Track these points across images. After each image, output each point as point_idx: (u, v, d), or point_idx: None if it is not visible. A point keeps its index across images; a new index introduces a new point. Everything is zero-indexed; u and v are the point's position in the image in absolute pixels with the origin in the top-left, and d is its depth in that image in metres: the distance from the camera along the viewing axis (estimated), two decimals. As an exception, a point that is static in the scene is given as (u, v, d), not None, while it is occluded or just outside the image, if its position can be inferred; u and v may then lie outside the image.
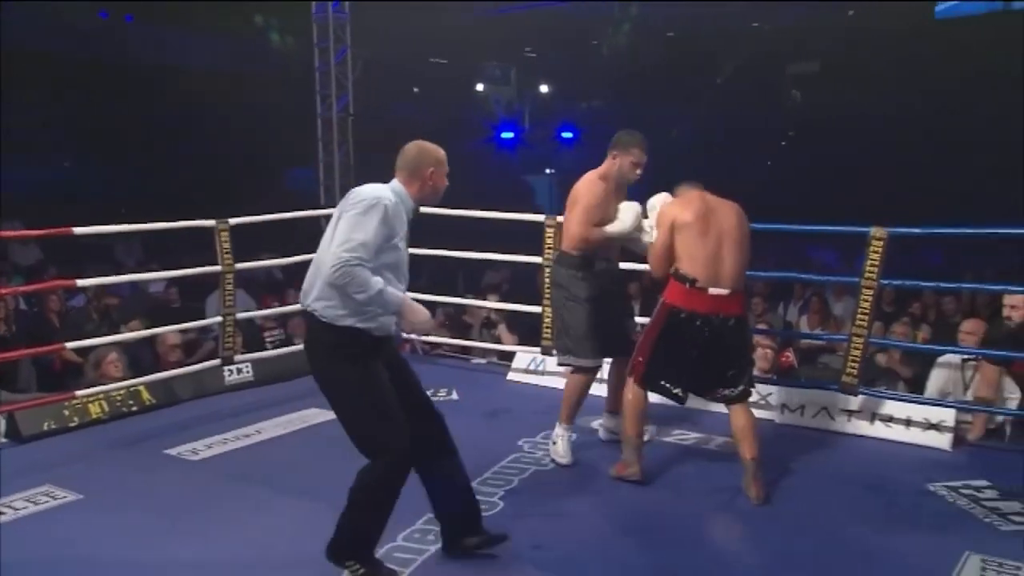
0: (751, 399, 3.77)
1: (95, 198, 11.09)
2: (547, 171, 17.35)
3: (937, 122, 11.96)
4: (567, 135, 16.72)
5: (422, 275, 6.31)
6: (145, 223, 5.05)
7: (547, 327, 5.27)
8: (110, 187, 12.08)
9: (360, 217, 2.77)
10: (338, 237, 2.76)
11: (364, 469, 2.82)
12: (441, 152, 3.01)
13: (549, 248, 5.19)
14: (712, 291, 3.54)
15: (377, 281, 2.75)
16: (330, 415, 4.58)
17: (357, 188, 2.88)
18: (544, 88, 16.82)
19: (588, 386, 4.10)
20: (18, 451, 3.30)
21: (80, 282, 4.93)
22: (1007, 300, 4.43)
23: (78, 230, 4.44)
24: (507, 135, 17.11)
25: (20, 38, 11.18)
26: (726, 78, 14.60)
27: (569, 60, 15.39)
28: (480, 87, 16.97)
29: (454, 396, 5.19)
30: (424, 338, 6.47)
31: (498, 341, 6.51)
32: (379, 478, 2.82)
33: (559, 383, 5.25)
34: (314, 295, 2.83)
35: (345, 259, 2.71)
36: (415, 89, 16.09)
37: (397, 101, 14.15)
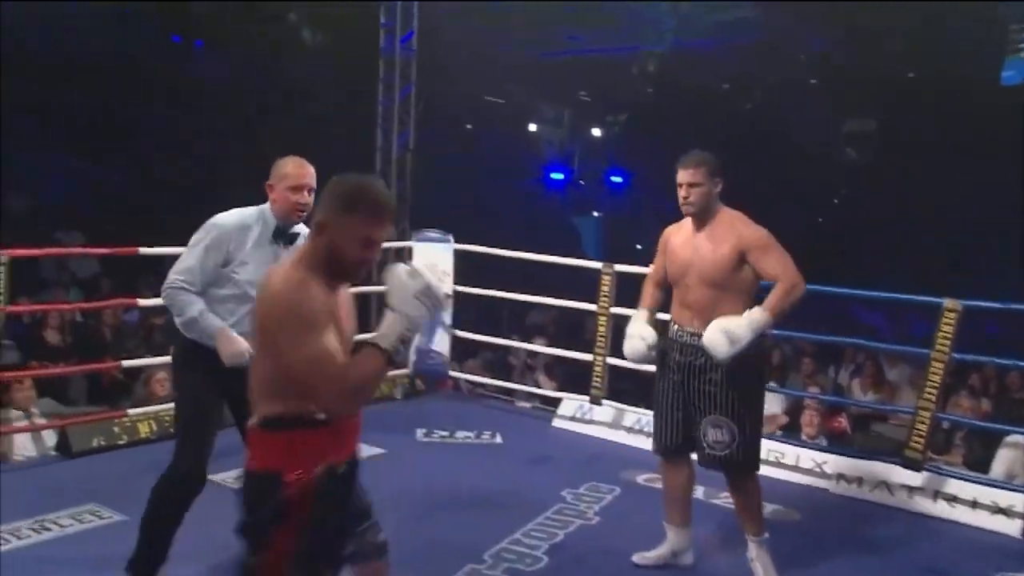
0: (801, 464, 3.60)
1: (148, 211, 11.32)
2: (595, 213, 17.38)
3: (996, 189, 11.73)
4: (616, 179, 16.77)
5: (467, 313, 6.29)
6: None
7: (597, 375, 5.20)
8: (161, 200, 12.35)
9: (193, 241, 2.87)
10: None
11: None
12: (289, 166, 2.87)
13: (605, 296, 5.14)
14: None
15: (194, 307, 2.80)
16: (376, 450, 4.66)
17: None
18: (596, 131, 16.89)
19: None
20: (67, 466, 3.33)
21: (141, 301, 4.98)
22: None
23: (143, 250, 4.50)
24: (557, 176, 17.20)
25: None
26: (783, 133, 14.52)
27: (622, 106, 15.47)
28: (533, 127, 17.11)
29: (497, 439, 5.12)
30: (469, 377, 6.44)
31: (539, 385, 6.46)
32: (157, 490, 2.89)
33: (605, 433, 5.19)
34: None
35: (169, 282, 2.83)
36: (468, 126, 16.27)
37: (451, 138, 14.31)
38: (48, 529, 3.40)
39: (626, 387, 5.73)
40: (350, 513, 2.11)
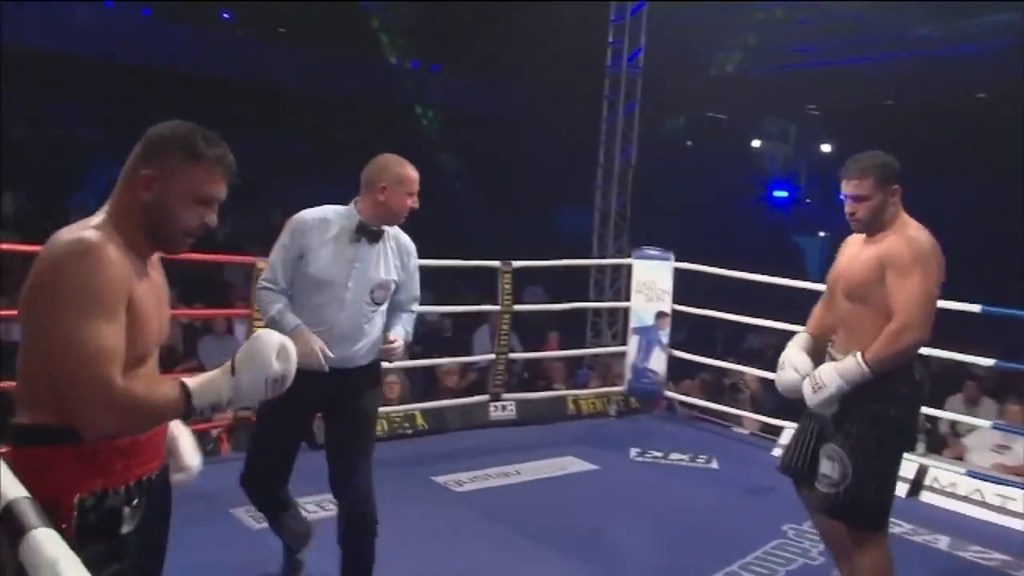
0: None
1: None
2: (820, 233, 16.48)
3: None
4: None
5: (681, 332, 6.17)
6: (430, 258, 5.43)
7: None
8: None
9: (277, 241, 2.81)
10: None
11: None
12: (404, 170, 2.76)
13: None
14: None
15: (274, 306, 2.71)
16: (588, 466, 4.70)
17: None
18: (825, 147, 16.04)
19: None
20: (313, 456, 3.62)
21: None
22: None
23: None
24: (780, 194, 16.51)
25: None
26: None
27: (853, 121, 14.55)
28: (756, 143, 16.56)
29: (713, 464, 4.97)
30: (684, 398, 6.31)
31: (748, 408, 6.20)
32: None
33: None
34: None
35: (258, 283, 2.80)
36: (688, 143, 16.05)
37: (670, 153, 14.18)
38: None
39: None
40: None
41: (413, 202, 2.78)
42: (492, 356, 5.32)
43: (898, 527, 4.01)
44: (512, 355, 5.61)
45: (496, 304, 5.23)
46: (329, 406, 2.86)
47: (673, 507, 4.21)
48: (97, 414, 1.44)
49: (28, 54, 10.70)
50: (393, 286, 2.86)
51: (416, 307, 3.01)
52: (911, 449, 3.10)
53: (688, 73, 11.51)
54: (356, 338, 2.78)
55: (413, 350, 6.53)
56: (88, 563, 1.08)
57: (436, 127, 14.64)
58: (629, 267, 5.96)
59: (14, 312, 1.69)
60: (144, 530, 1.61)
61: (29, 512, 0.90)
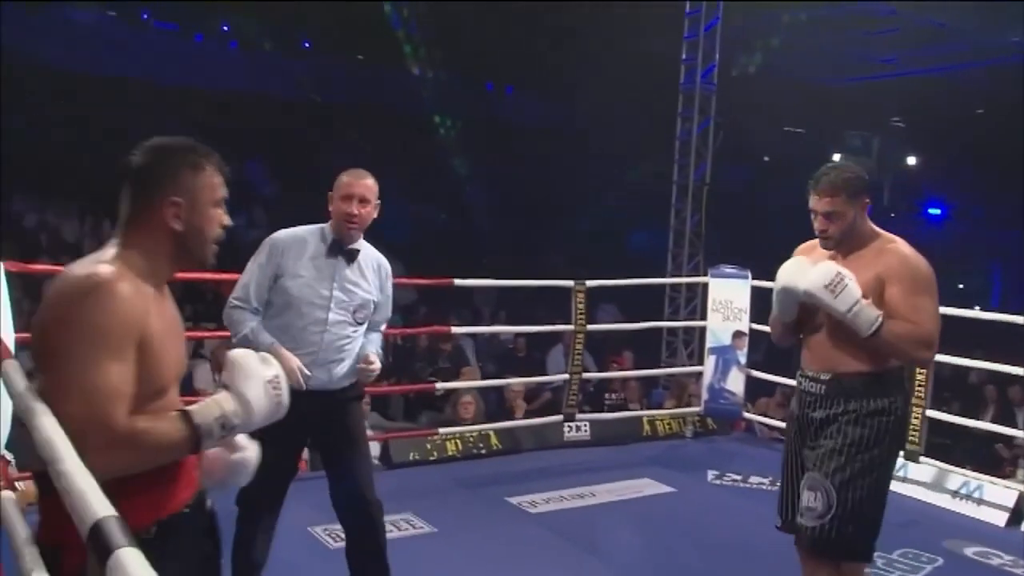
0: None
1: (461, 246, 12.41)
2: (906, 249, 15.95)
3: None
4: (935, 211, 15.24)
5: (758, 351, 6.01)
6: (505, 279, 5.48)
7: (914, 429, 4.70)
8: (472, 236, 13.43)
9: (251, 260, 2.73)
10: None
11: None
12: (343, 176, 2.70)
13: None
14: None
15: (246, 324, 2.64)
16: (664, 488, 4.61)
17: None
18: (911, 160, 15.51)
19: None
20: (388, 475, 3.69)
21: (455, 329, 5.42)
22: None
23: (458, 281, 4.90)
24: (862, 208, 16.04)
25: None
26: None
27: (941, 131, 14.04)
28: (836, 157, 16.13)
29: (795, 489, 4.81)
30: (763, 420, 6.15)
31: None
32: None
33: (923, 494, 4.66)
34: None
35: (228, 302, 2.70)
36: (765, 158, 15.74)
37: (743, 168, 13.95)
38: (371, 531, 3.77)
39: (947, 443, 5.12)
40: None
41: (350, 207, 2.68)
42: (566, 376, 5.28)
43: (997, 558, 3.81)
44: (586, 375, 5.57)
45: (569, 323, 5.20)
46: (320, 430, 2.78)
47: (754, 533, 4.06)
48: (101, 453, 1.38)
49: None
50: (372, 306, 2.80)
51: (384, 327, 2.97)
52: (900, 450, 2.93)
53: (764, 88, 11.31)
54: (339, 359, 2.73)
55: (486, 369, 6.56)
56: None
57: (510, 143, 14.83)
58: (705, 285, 5.86)
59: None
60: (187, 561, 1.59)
61: (116, 531, 0.93)
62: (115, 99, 11.14)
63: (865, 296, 2.43)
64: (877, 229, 2.58)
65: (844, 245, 2.54)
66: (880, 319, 2.42)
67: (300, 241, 2.71)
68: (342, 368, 2.74)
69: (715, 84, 6.94)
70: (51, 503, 1.36)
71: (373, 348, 2.81)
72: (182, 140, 1.63)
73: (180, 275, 1.76)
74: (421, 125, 13.64)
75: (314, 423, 2.70)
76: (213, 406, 1.52)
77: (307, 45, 14.16)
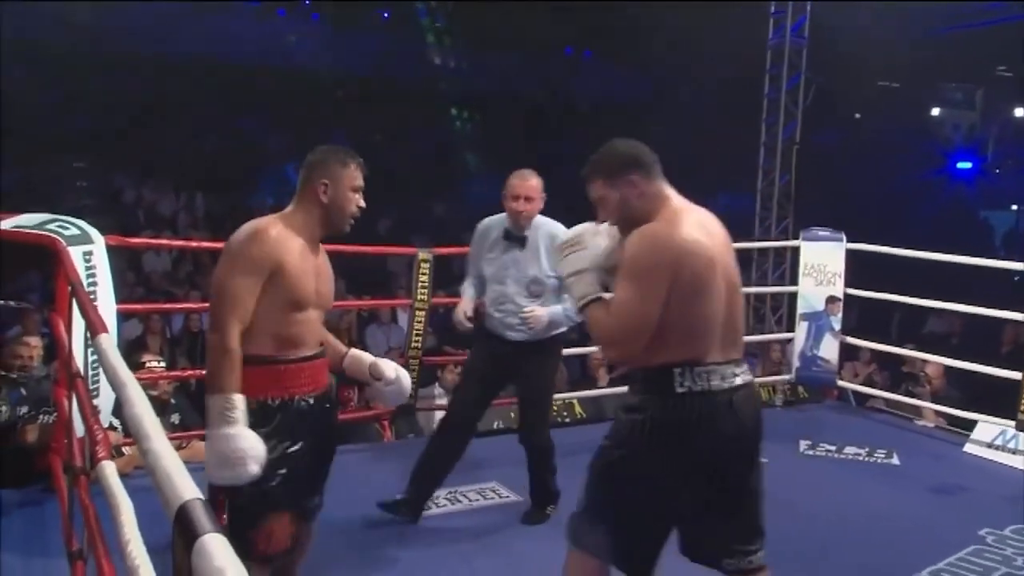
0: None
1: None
2: (1012, 207, 15.03)
3: None
4: (1045, 165, 14.33)
5: (850, 316, 5.74)
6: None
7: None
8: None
9: None
10: None
11: None
12: (511, 178, 3.37)
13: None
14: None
15: (464, 288, 3.59)
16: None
17: None
18: (1019, 111, 14.55)
19: None
20: (473, 444, 3.68)
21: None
22: None
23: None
24: (964, 165, 15.15)
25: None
26: None
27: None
28: (936, 112, 15.28)
29: (894, 460, 4.62)
30: (859, 388, 5.92)
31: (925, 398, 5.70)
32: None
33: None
34: None
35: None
36: (856, 115, 15.03)
37: (834, 127, 13.36)
38: (459, 501, 3.80)
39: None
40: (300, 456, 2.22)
41: (517, 205, 3.37)
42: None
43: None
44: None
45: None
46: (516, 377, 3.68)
47: (849, 506, 3.94)
48: (212, 341, 2.16)
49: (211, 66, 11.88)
50: (545, 280, 3.44)
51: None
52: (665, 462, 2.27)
53: (857, 41, 10.75)
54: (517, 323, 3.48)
55: (569, 337, 6.48)
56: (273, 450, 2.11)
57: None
58: (796, 249, 5.64)
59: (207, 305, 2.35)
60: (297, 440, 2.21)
61: (202, 515, 0.92)
62: (205, 83, 11.66)
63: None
64: (671, 207, 2.17)
65: (627, 229, 2.17)
66: (589, 298, 2.16)
67: (489, 228, 3.46)
68: (521, 330, 3.42)
69: (806, 37, 6.60)
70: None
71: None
72: (338, 146, 2.33)
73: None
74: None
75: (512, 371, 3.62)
76: (225, 401, 2.10)
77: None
